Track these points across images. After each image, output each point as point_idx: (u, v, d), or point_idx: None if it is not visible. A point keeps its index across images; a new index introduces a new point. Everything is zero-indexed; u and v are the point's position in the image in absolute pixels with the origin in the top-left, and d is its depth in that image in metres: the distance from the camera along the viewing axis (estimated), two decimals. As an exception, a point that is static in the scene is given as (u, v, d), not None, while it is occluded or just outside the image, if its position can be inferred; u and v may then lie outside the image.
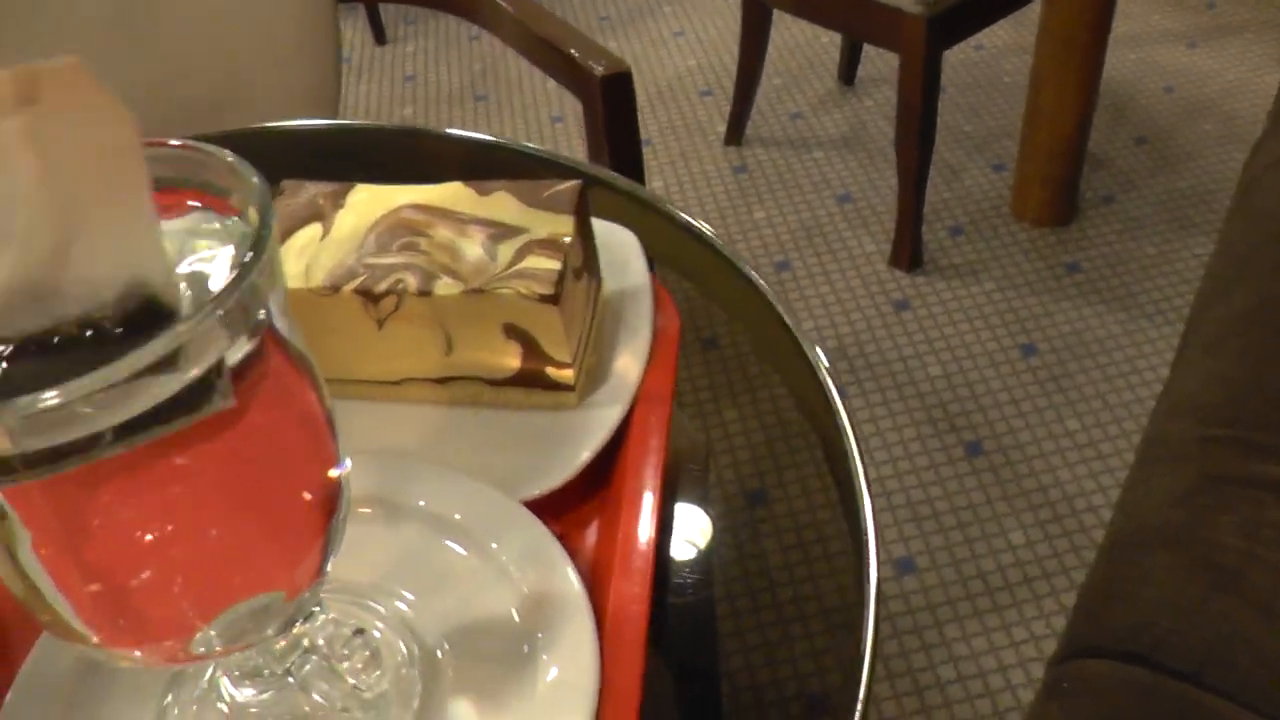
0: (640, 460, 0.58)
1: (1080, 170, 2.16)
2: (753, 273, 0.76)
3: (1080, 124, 2.07)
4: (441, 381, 0.62)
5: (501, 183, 0.63)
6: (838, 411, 0.67)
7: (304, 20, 1.31)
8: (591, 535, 0.58)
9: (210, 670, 0.50)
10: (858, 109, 2.53)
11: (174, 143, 0.38)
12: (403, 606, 0.52)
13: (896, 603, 1.77)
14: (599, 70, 1.08)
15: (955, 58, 2.63)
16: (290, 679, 0.46)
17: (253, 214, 0.36)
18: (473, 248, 0.59)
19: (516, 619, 0.51)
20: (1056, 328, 1.98)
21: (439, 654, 0.50)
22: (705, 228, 0.78)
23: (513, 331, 0.58)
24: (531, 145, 0.90)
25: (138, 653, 0.39)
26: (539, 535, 0.53)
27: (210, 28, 1.28)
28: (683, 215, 0.80)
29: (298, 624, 0.41)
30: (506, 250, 0.59)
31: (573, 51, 1.10)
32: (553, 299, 0.57)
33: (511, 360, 0.60)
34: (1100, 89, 2.09)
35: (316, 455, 0.39)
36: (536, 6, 1.19)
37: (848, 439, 0.65)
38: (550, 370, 0.60)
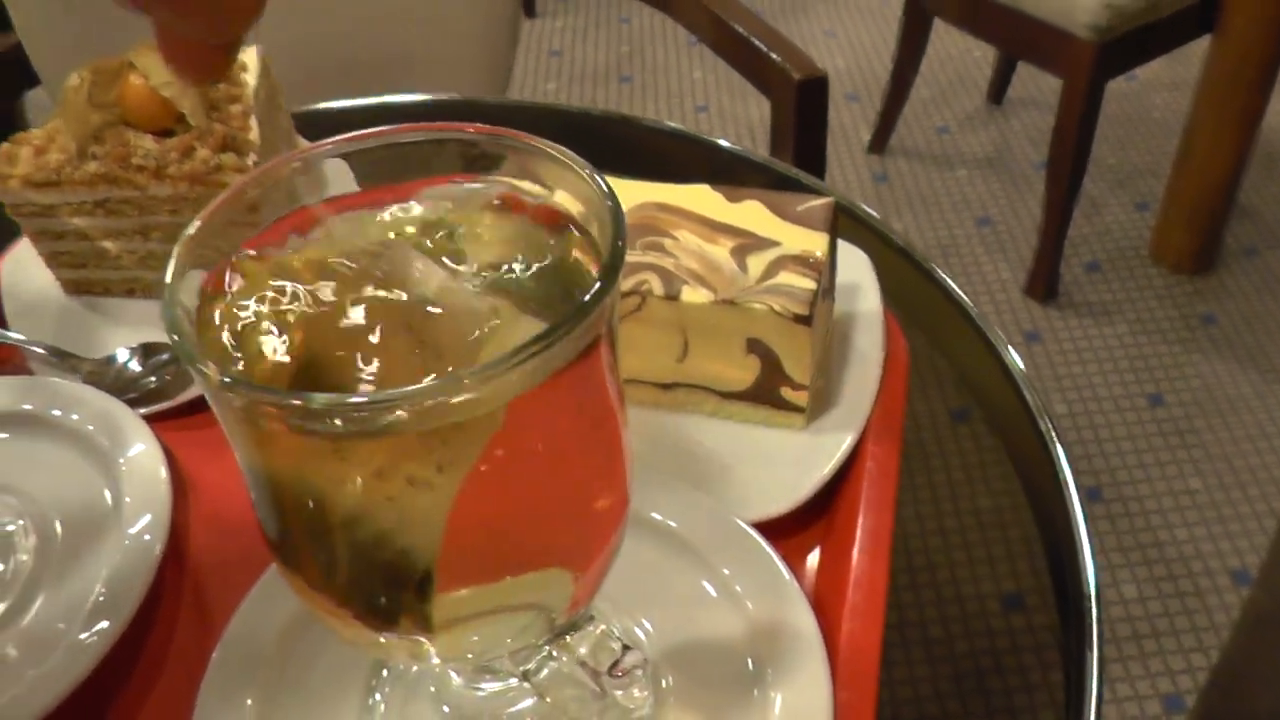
0: (874, 495, 0.56)
1: (1226, 218, 2.09)
2: (964, 298, 0.74)
3: (1233, 170, 2.00)
4: (667, 387, 0.60)
5: (752, 190, 0.61)
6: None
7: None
8: (811, 564, 0.57)
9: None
10: (1004, 130, 2.47)
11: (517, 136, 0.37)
12: (632, 620, 0.51)
13: (1003, 639, 1.73)
14: (796, 75, 1.05)
15: (1107, 87, 2.56)
16: (526, 683, 0.45)
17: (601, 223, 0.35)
18: (722, 256, 0.58)
19: (746, 648, 0.50)
20: (1186, 380, 1.93)
21: (668, 675, 0.49)
22: (943, 274, 0.76)
23: (756, 347, 0.57)
24: (738, 147, 0.89)
25: (423, 640, 0.38)
26: (772, 564, 0.52)
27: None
28: (895, 236, 0.78)
29: (569, 634, 0.40)
30: (758, 263, 0.57)
31: (771, 53, 1.08)
32: (806, 319, 0.55)
33: (747, 375, 0.58)
34: (1258, 136, 2.02)
35: (619, 454, 0.38)
36: (734, 4, 1.17)
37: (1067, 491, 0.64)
38: (785, 390, 0.58)
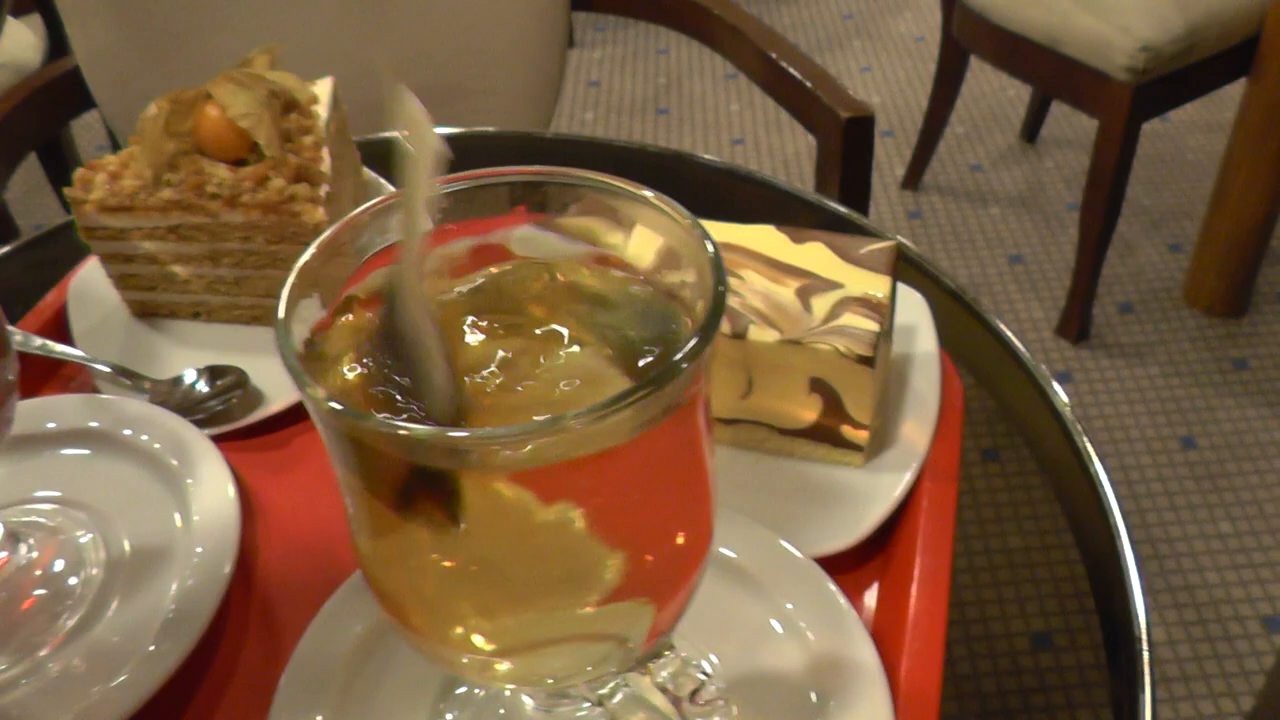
0: (932, 535, 0.57)
1: (1260, 262, 2.09)
2: (1015, 342, 0.75)
3: (1267, 213, 2.00)
4: (730, 422, 0.61)
5: (815, 232, 0.62)
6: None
7: (537, 20, 1.32)
8: (869, 599, 0.57)
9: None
10: (1038, 168, 2.48)
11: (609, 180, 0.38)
12: (699, 651, 0.52)
13: (1030, 677, 1.73)
14: (844, 113, 1.07)
15: (1142, 128, 2.57)
16: (599, 708, 0.46)
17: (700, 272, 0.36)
18: (787, 296, 0.59)
19: (809, 681, 0.51)
20: (1218, 424, 1.92)
21: (734, 705, 0.50)
22: (998, 321, 0.77)
23: (818, 386, 0.58)
24: (792, 184, 0.90)
25: (504, 663, 0.39)
26: (835, 599, 0.53)
27: (447, 17, 1.30)
28: (947, 279, 0.79)
29: (651, 661, 0.40)
30: (822, 304, 0.58)
31: (818, 91, 1.09)
32: (869, 361, 0.56)
33: (809, 413, 0.59)
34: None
35: (708, 489, 0.39)
36: (780, 39, 1.18)
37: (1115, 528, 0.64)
38: (845, 429, 0.59)
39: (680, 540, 0.38)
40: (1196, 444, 1.89)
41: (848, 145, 1.08)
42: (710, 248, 0.35)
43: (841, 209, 0.86)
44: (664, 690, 0.40)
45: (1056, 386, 0.72)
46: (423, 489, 0.33)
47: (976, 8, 2.02)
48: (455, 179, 0.39)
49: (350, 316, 0.38)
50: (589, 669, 0.41)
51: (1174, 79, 1.87)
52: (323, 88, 0.74)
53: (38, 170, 1.90)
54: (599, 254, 0.39)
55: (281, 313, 0.35)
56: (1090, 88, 1.89)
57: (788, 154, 2.54)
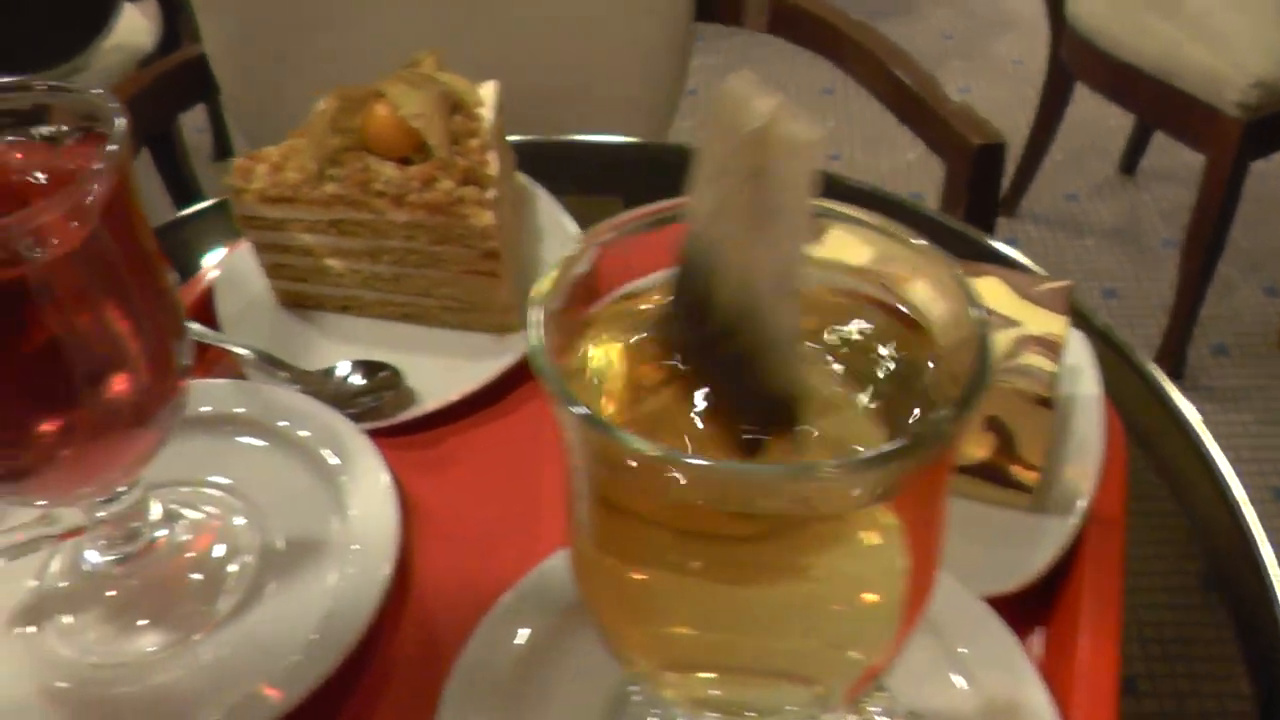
0: (1101, 581, 0.56)
1: (1361, 311, 2.05)
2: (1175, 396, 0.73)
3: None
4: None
5: (990, 266, 0.61)
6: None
7: (660, 30, 1.32)
8: (1034, 644, 0.56)
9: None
10: (1135, 201, 2.44)
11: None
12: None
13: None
14: (976, 140, 1.05)
15: (1245, 166, 2.53)
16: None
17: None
18: (963, 329, 0.58)
19: (980, 726, 0.50)
20: (1315, 476, 1.88)
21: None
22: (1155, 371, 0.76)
23: (993, 425, 0.57)
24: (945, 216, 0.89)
25: (714, 693, 0.39)
26: (1010, 643, 0.52)
27: (568, 22, 1.30)
28: (1095, 319, 0.77)
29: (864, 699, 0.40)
30: (1001, 342, 0.57)
31: (950, 118, 1.08)
32: (1048, 402, 0.55)
33: (980, 451, 0.58)
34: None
35: (939, 544, 0.39)
36: (911, 61, 1.17)
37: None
38: (1016, 469, 0.58)
39: (919, 582, 0.38)
40: (1289, 493, 1.85)
41: (976, 172, 1.06)
42: (976, 313, 0.34)
43: (1005, 248, 0.84)
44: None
45: (1197, 417, 0.71)
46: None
47: (1086, 34, 1.99)
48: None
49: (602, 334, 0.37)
50: (792, 709, 0.40)
51: (1290, 117, 1.83)
52: (488, 90, 0.75)
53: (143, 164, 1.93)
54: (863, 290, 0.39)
55: (536, 337, 0.34)
56: (1199, 122, 1.86)
57: (883, 171, 2.52)
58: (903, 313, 0.38)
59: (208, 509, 0.64)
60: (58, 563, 0.62)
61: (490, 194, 0.67)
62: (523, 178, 0.81)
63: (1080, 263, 2.28)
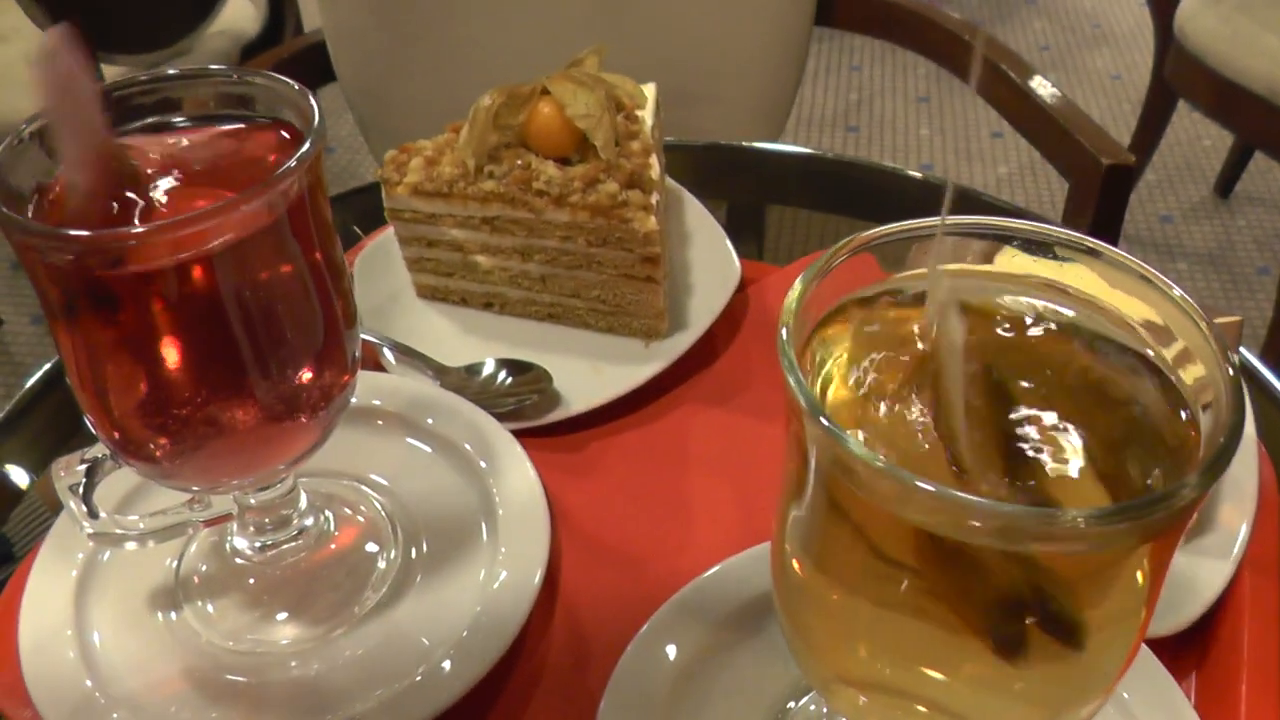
0: (1258, 630, 0.55)
1: None
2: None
3: None
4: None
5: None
6: None
7: (779, 34, 1.32)
8: (1190, 691, 0.55)
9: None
10: (1229, 225, 2.40)
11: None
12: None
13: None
14: (1105, 160, 1.04)
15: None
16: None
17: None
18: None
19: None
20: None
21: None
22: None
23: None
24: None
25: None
26: (1171, 689, 0.51)
27: (690, 23, 1.30)
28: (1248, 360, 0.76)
29: None
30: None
31: (1079, 135, 1.07)
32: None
33: (1139, 490, 0.57)
34: None
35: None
36: (1038, 76, 1.16)
37: None
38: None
39: (1137, 640, 0.38)
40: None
41: (1103, 193, 1.05)
42: (1230, 372, 0.34)
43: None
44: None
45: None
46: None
47: (1194, 51, 1.95)
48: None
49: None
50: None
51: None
52: (649, 91, 0.75)
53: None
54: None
55: (785, 332, 0.34)
56: (1308, 145, 1.82)
57: (974, 184, 2.50)
58: (1155, 365, 0.37)
59: (354, 502, 0.64)
60: (201, 547, 0.62)
61: (654, 198, 0.67)
62: (672, 183, 0.81)
63: (1172, 285, 2.25)
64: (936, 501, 0.30)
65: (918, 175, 0.96)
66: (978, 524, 0.31)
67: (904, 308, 0.38)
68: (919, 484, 0.30)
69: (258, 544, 0.61)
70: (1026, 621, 0.33)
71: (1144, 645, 0.53)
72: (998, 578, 0.32)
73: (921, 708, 0.38)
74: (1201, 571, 0.58)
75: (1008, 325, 0.38)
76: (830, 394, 0.36)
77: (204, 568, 0.61)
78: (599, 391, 0.68)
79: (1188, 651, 0.57)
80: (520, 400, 0.68)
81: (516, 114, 0.69)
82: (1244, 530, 0.59)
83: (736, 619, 0.54)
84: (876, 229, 0.39)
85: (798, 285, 0.36)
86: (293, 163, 0.47)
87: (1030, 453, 0.34)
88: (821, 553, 0.38)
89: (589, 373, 0.70)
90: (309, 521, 0.62)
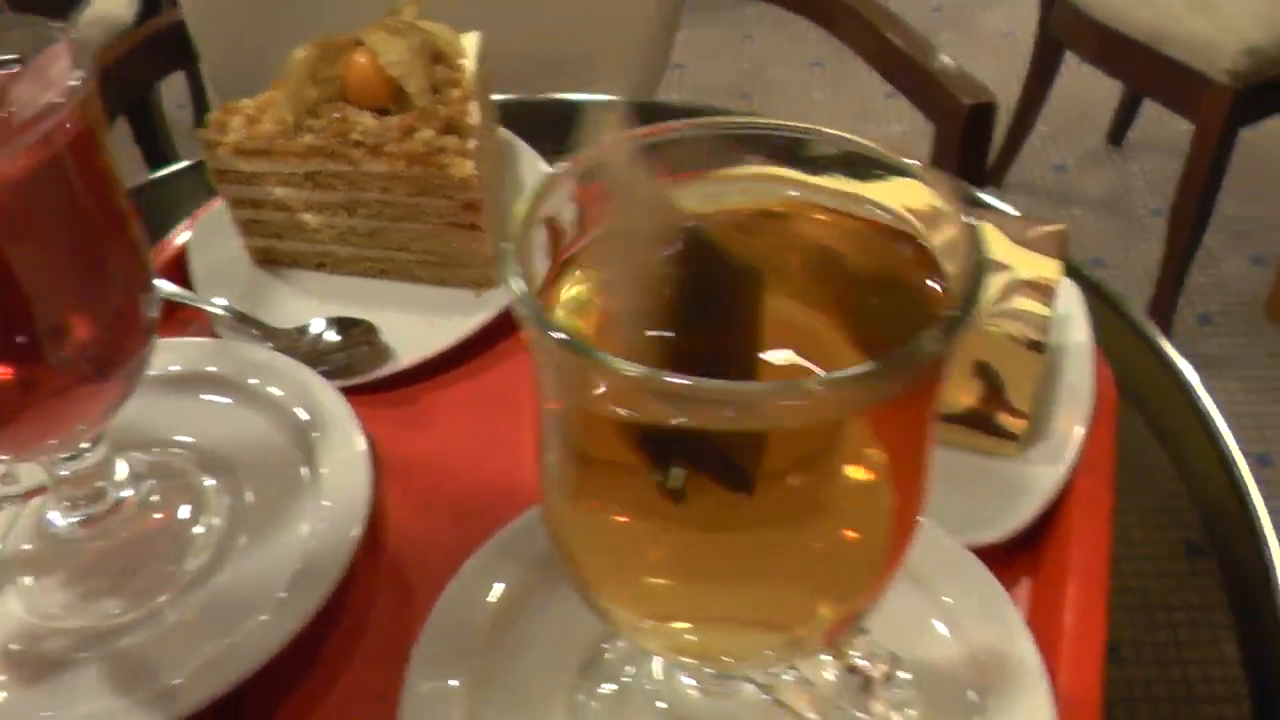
0: (1089, 530, 0.55)
1: (1348, 280, 2.04)
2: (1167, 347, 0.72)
3: (1362, 230, 1.95)
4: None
5: (984, 213, 0.60)
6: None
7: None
8: (1021, 596, 0.55)
9: (654, 660, 0.49)
10: (1123, 172, 2.43)
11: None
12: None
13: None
14: (967, 99, 1.04)
15: (1232, 137, 2.52)
16: (762, 686, 0.44)
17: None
18: (952, 276, 0.57)
19: (968, 678, 0.49)
20: (1297, 442, 1.88)
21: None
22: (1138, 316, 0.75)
23: (982, 370, 0.56)
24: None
25: (691, 638, 0.38)
26: (997, 593, 0.51)
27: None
28: (1088, 272, 0.76)
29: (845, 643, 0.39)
30: (992, 286, 0.56)
31: (940, 77, 1.07)
32: (1040, 346, 0.54)
33: (967, 398, 0.57)
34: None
35: (923, 483, 0.37)
36: (900, 22, 1.16)
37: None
38: (1003, 417, 0.57)
39: (904, 526, 0.37)
40: (1272, 462, 1.84)
41: (967, 133, 1.05)
42: (968, 220, 0.33)
43: (996, 202, 0.83)
44: (854, 671, 0.38)
45: (1197, 384, 0.70)
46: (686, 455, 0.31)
47: (1078, 3, 1.97)
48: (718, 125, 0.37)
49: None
50: (769, 653, 0.39)
51: (1276, 84, 1.82)
52: (470, 41, 0.73)
53: (122, 128, 1.90)
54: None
55: (512, 246, 0.33)
56: (1189, 90, 1.85)
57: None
58: (909, 238, 0.36)
59: (176, 469, 0.62)
60: (20, 525, 0.60)
61: (471, 144, 0.65)
62: (506, 133, 0.79)
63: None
64: (663, 387, 0.29)
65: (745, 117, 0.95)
66: (700, 404, 0.29)
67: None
68: (667, 379, 0.28)
69: (75, 518, 0.58)
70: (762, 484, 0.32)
71: (969, 552, 0.52)
72: (722, 453, 0.31)
73: (686, 623, 0.37)
74: (1034, 479, 0.57)
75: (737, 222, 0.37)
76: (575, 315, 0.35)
77: (27, 547, 0.59)
78: (429, 343, 0.66)
79: (1021, 559, 0.56)
80: (348, 355, 0.66)
81: (332, 66, 0.67)
82: (1077, 434, 0.59)
83: (553, 560, 0.53)
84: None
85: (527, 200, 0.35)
86: (59, 98, 0.45)
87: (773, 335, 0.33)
88: (576, 486, 0.37)
89: (422, 325, 0.68)
90: (129, 492, 0.60)
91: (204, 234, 0.76)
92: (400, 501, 0.61)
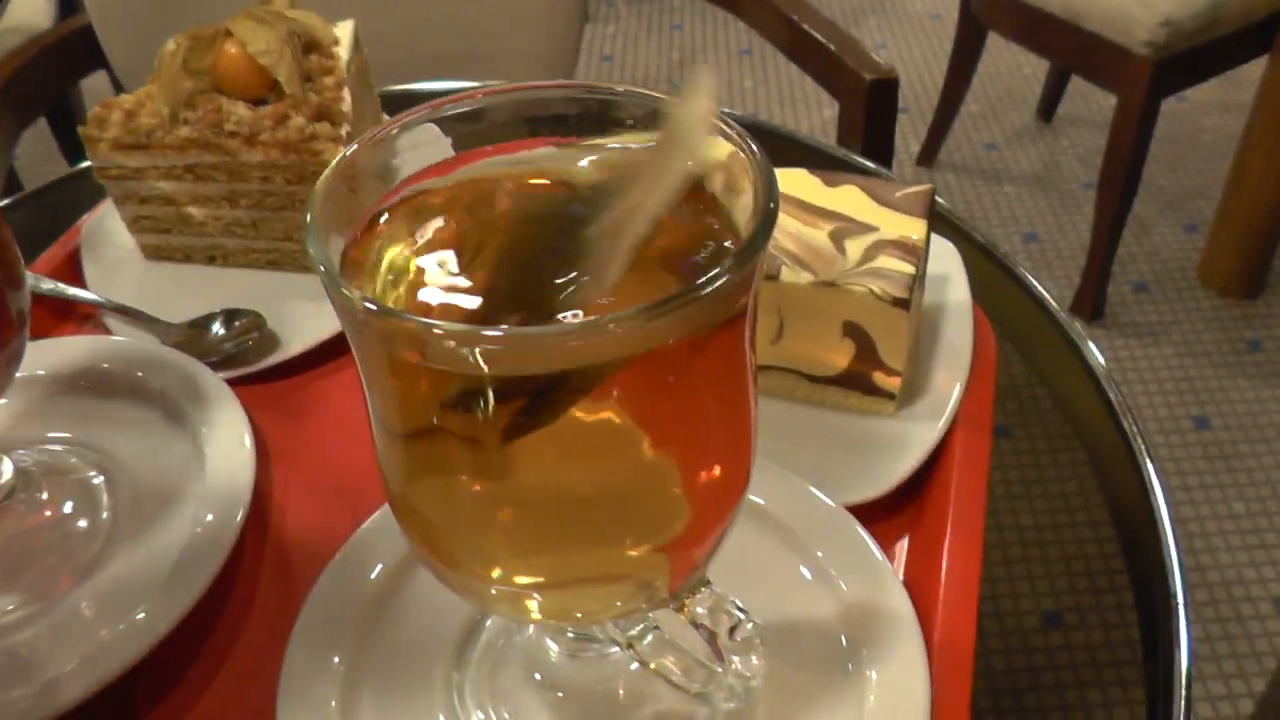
0: (966, 485, 0.56)
1: (1276, 244, 2.07)
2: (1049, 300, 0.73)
3: (1286, 195, 1.98)
4: (760, 369, 0.60)
5: (849, 175, 0.61)
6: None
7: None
8: (901, 551, 0.56)
9: (526, 629, 0.49)
10: (1053, 147, 2.46)
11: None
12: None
13: (1040, 656, 1.71)
14: (868, 75, 1.05)
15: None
16: (627, 650, 0.45)
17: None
18: (820, 239, 0.57)
19: (840, 627, 0.49)
20: (1232, 405, 1.91)
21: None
22: (1026, 273, 0.76)
23: (852, 330, 0.56)
24: (816, 139, 0.88)
25: (532, 596, 0.38)
26: (866, 547, 0.51)
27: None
28: (977, 234, 0.77)
29: (686, 597, 0.39)
30: (856, 246, 0.57)
31: (842, 55, 1.08)
32: (905, 303, 0.54)
33: (840, 359, 0.58)
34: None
35: (749, 417, 0.38)
36: (805, 5, 1.17)
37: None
38: (878, 375, 0.58)
39: (719, 471, 0.37)
40: (1210, 424, 1.87)
41: (871, 109, 1.06)
42: (760, 158, 0.33)
43: (871, 165, 0.84)
44: (698, 626, 0.39)
45: (1090, 345, 0.71)
46: (476, 402, 0.31)
47: (995, -18, 2.00)
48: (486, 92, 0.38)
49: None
50: (618, 604, 0.39)
51: (1195, 55, 1.85)
52: (344, 29, 0.73)
53: (47, 137, 1.88)
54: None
55: (312, 216, 0.33)
56: (1110, 63, 1.87)
57: (800, 129, 2.53)
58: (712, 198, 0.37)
59: (63, 465, 0.62)
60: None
61: (344, 129, 0.65)
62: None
63: (1000, 210, 2.30)
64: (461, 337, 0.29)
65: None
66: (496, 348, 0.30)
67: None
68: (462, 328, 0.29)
69: (-40, 519, 0.58)
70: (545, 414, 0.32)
71: (839, 508, 0.53)
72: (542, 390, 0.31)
73: (528, 581, 0.37)
74: (911, 436, 0.58)
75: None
76: (387, 274, 0.35)
77: (-89, 550, 0.59)
78: (317, 331, 0.66)
79: (901, 514, 0.57)
80: (236, 346, 0.66)
81: (204, 57, 0.66)
82: (956, 390, 0.60)
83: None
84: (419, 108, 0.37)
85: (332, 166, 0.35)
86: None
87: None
88: (388, 450, 0.37)
89: (308, 315, 0.68)
90: (17, 490, 0.59)
91: (95, 233, 0.76)
92: (288, 488, 0.61)
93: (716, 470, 0.36)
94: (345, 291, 0.30)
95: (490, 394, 0.31)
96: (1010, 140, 2.49)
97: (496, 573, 0.37)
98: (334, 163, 0.35)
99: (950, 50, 2.25)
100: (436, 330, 0.29)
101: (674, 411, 0.34)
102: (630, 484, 0.34)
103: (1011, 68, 2.69)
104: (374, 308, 0.30)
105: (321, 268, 0.31)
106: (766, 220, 0.31)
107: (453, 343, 0.29)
